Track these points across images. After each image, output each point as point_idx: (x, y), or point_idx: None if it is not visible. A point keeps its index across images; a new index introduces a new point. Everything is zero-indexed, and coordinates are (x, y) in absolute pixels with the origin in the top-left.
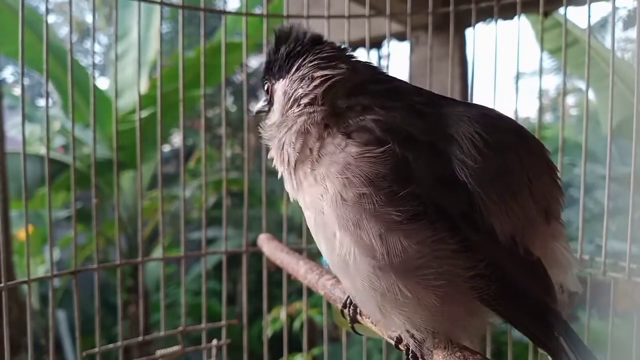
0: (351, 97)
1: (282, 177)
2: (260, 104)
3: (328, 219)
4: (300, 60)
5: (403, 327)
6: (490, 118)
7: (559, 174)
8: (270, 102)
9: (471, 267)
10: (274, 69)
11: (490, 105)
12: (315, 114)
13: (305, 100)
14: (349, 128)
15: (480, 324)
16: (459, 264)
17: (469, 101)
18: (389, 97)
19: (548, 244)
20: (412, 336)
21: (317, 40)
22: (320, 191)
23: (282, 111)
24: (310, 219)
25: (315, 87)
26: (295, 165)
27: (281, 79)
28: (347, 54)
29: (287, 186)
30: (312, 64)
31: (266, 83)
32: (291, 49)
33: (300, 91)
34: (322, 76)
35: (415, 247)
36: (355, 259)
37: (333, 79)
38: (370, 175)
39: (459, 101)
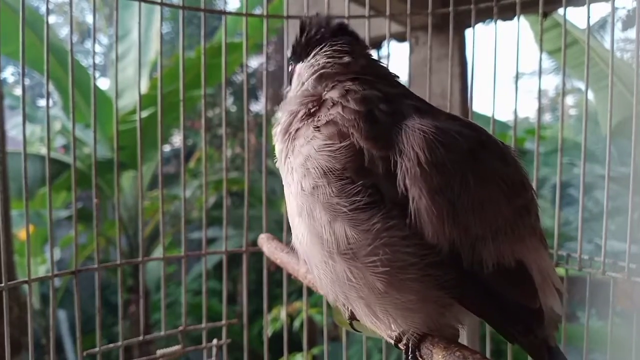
0: (335, 89)
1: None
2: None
3: (291, 207)
4: (318, 48)
5: (365, 315)
6: (446, 135)
7: (525, 192)
8: (290, 82)
9: (425, 254)
10: (297, 52)
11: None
12: (308, 102)
13: (308, 85)
14: (320, 122)
15: (442, 314)
16: (410, 251)
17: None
18: (358, 101)
19: (526, 257)
20: (413, 334)
21: (338, 30)
22: (289, 181)
23: (295, 92)
24: (286, 199)
25: (314, 73)
26: (282, 151)
27: (300, 62)
28: (358, 48)
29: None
30: (324, 53)
31: (291, 64)
32: (312, 35)
33: (306, 76)
34: (322, 66)
35: (360, 235)
36: (309, 245)
37: (324, 70)
38: (325, 169)
39: (429, 112)
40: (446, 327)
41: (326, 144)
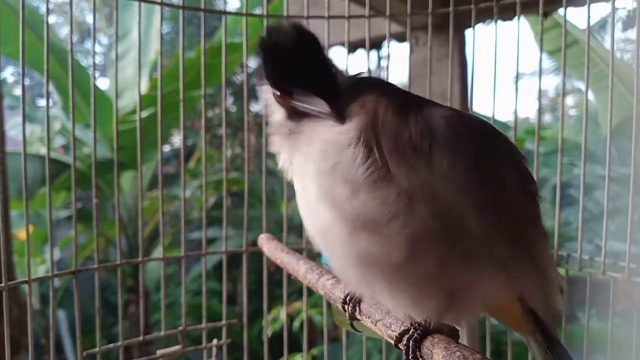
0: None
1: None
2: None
3: (308, 195)
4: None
5: (381, 297)
6: (463, 118)
7: (533, 182)
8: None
9: (444, 225)
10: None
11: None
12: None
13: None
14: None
15: (458, 296)
16: (429, 223)
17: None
18: (366, 92)
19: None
20: (418, 327)
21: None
22: (304, 168)
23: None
24: (298, 197)
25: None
26: (291, 146)
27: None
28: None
29: (285, 164)
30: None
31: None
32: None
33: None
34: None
35: (380, 207)
36: (330, 226)
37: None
38: (342, 146)
39: (435, 104)
40: (461, 311)
41: (339, 125)
